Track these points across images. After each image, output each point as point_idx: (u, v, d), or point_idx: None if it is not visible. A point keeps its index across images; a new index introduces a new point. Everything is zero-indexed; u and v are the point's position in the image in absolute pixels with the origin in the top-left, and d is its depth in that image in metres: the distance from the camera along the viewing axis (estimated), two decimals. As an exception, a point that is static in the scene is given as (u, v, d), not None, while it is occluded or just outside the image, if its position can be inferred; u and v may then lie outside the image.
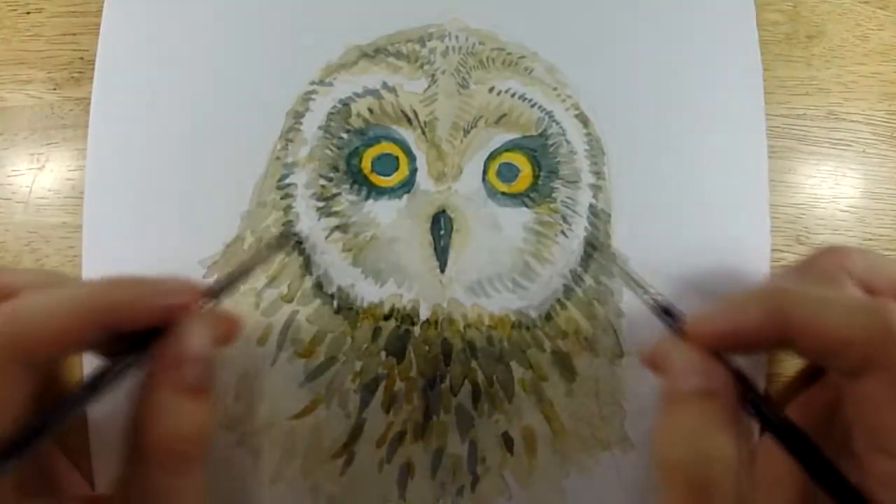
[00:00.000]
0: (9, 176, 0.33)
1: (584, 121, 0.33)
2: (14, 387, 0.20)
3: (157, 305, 0.22)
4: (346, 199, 0.32)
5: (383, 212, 0.31)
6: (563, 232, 0.32)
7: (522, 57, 0.33)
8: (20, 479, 0.22)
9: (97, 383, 0.21)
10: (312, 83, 0.32)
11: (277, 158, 0.32)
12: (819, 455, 0.20)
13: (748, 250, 0.33)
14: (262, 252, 0.31)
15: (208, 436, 0.23)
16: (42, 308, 0.21)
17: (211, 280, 0.31)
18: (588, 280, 0.32)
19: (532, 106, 0.33)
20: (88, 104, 0.32)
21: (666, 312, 0.25)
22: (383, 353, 0.31)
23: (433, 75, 0.33)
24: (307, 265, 0.31)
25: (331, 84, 0.32)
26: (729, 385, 0.22)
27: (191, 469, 0.22)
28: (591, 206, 0.32)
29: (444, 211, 0.31)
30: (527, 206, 0.32)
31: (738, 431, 0.21)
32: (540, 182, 0.32)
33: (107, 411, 0.29)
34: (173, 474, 0.21)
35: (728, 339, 0.22)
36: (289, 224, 0.31)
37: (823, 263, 0.26)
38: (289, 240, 0.31)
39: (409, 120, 0.32)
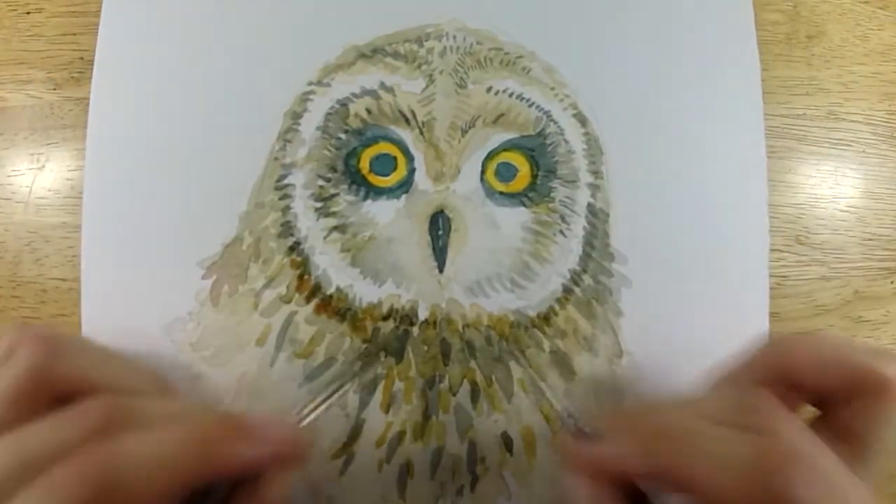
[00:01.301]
0: (9, 176, 0.33)
1: (581, 120, 0.33)
2: None
3: (257, 459, 0.23)
4: (344, 199, 0.32)
5: (382, 212, 0.32)
6: (561, 231, 0.32)
7: (520, 57, 0.33)
8: None
9: None
10: (310, 84, 0.32)
11: (276, 159, 0.32)
12: None
13: (747, 250, 0.33)
14: (346, 369, 0.31)
15: None
16: (142, 463, 0.21)
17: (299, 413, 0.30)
18: (587, 280, 0.32)
19: (530, 105, 0.33)
20: (88, 104, 0.32)
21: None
22: (382, 354, 0.31)
23: (431, 75, 0.33)
24: (306, 265, 0.31)
25: (329, 84, 0.32)
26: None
27: None
28: (589, 205, 0.32)
29: (442, 211, 0.31)
30: (525, 205, 0.32)
31: None
32: (538, 182, 0.32)
33: None
34: None
35: (606, 474, 0.23)
36: (287, 224, 0.31)
37: (765, 363, 0.25)
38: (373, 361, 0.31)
39: (406, 120, 0.32)
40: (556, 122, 0.33)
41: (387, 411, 0.30)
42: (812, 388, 0.24)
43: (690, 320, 0.32)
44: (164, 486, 0.21)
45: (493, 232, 0.32)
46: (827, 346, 0.25)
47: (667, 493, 0.24)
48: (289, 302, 0.31)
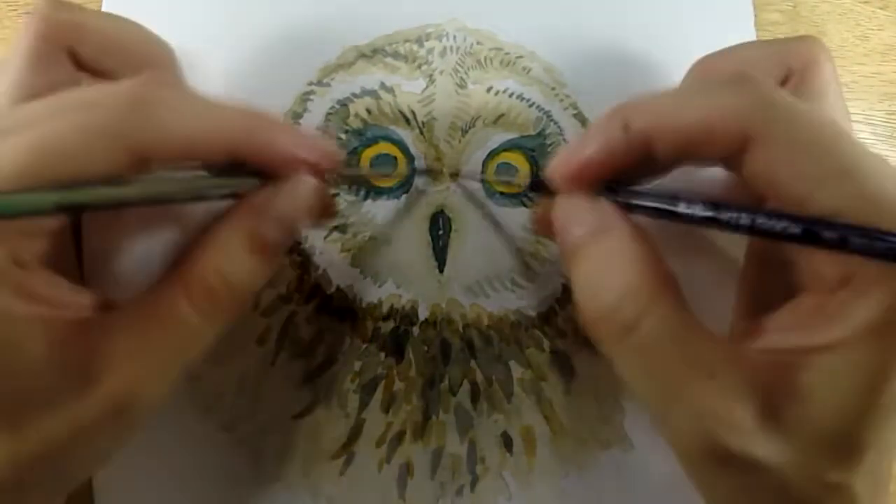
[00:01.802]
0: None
1: (582, 120, 0.33)
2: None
3: (293, 156, 0.22)
4: (344, 199, 0.32)
5: (382, 212, 0.32)
6: (561, 232, 0.32)
7: (520, 57, 0.33)
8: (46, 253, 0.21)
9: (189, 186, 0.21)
10: (310, 84, 0.32)
11: (276, 159, 0.32)
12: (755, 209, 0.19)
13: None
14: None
15: (250, 299, 0.22)
16: (180, 118, 0.20)
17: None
18: (587, 280, 0.32)
19: (530, 106, 0.33)
20: (88, 105, 0.32)
21: (538, 186, 0.25)
22: (382, 354, 0.31)
23: (431, 75, 0.33)
24: (306, 265, 0.31)
25: (329, 85, 0.32)
26: (614, 212, 0.21)
27: (214, 318, 0.21)
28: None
29: (442, 211, 0.31)
30: (525, 205, 0.32)
31: (652, 256, 0.21)
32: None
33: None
34: (196, 311, 0.21)
35: (590, 171, 0.21)
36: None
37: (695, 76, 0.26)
38: None
39: (407, 120, 0.32)
40: (556, 123, 0.33)
41: (387, 411, 0.30)
42: None
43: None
44: (192, 139, 0.20)
45: (493, 232, 0.32)
46: (752, 46, 0.27)
47: (653, 172, 0.23)
48: (289, 302, 0.31)
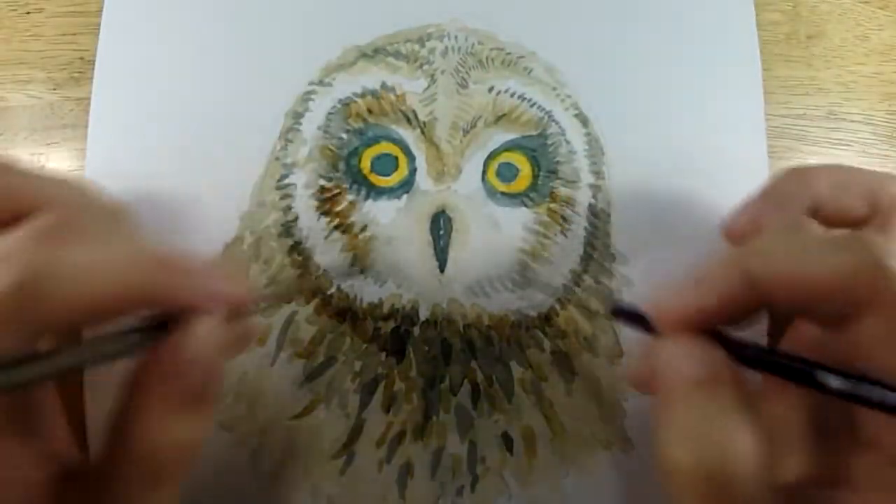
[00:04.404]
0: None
1: (583, 120, 0.33)
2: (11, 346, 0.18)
3: (194, 305, 0.20)
4: (345, 199, 0.32)
5: (383, 212, 0.31)
6: (562, 232, 0.32)
7: (521, 57, 0.33)
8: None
9: (105, 347, 0.19)
10: (311, 83, 0.32)
11: (277, 159, 0.32)
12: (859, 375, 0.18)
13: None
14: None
15: (199, 451, 0.21)
16: (80, 272, 0.18)
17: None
18: (587, 280, 0.32)
19: (531, 106, 0.33)
20: (88, 104, 0.32)
21: (632, 317, 0.23)
22: (383, 354, 0.31)
23: (432, 75, 0.33)
24: (306, 265, 0.31)
25: (330, 84, 0.32)
26: (728, 363, 0.20)
27: (171, 482, 0.20)
28: (590, 205, 0.32)
29: (443, 211, 0.31)
30: (526, 205, 0.32)
31: (753, 413, 0.19)
32: (539, 182, 0.32)
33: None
34: (150, 488, 0.19)
35: (703, 319, 0.20)
36: (288, 224, 0.31)
37: (785, 190, 0.25)
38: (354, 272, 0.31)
39: (408, 120, 0.32)
40: (557, 123, 0.33)
41: (387, 411, 0.30)
42: (833, 214, 0.24)
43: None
44: (99, 301, 0.19)
45: (494, 232, 0.32)
46: (845, 172, 0.25)
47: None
48: (289, 302, 0.31)
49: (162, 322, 0.20)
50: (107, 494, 0.19)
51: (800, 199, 0.24)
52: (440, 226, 0.31)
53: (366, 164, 0.32)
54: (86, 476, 0.20)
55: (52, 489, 0.20)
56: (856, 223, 0.25)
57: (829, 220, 0.24)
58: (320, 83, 0.32)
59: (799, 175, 0.25)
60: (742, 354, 0.20)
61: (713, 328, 0.21)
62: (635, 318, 0.23)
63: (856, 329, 0.19)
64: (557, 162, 0.32)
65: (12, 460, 0.20)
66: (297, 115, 0.32)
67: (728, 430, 0.19)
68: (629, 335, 0.31)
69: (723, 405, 0.19)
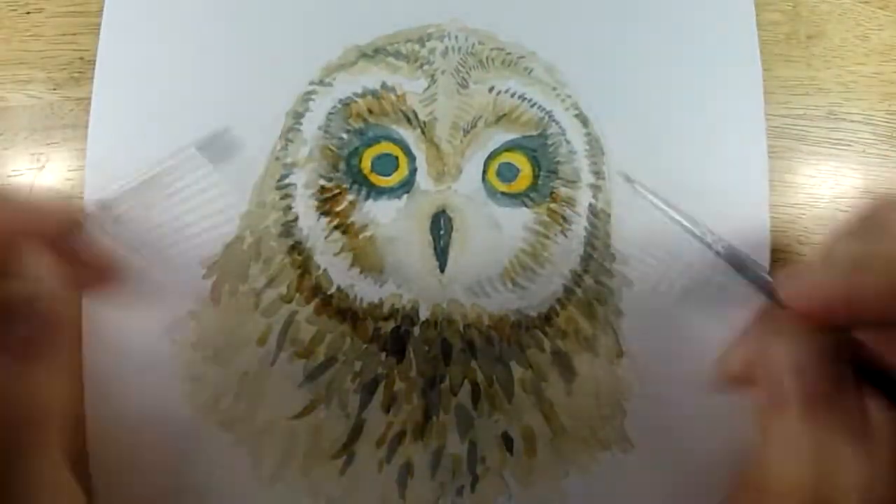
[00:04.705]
0: (9, 176, 0.33)
1: (583, 121, 0.33)
2: None
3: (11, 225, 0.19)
4: (345, 199, 0.32)
5: (383, 212, 0.31)
6: (562, 232, 0.32)
7: (522, 57, 0.33)
8: None
9: None
10: (312, 83, 0.32)
11: (277, 158, 0.32)
12: None
13: (748, 250, 0.32)
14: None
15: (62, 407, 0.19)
16: None
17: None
18: (588, 280, 0.32)
19: (532, 106, 0.33)
20: (88, 104, 0.32)
21: (754, 276, 0.21)
22: (383, 354, 0.31)
23: (433, 75, 0.33)
24: (307, 265, 0.31)
25: (330, 84, 0.32)
26: (847, 378, 0.18)
27: (39, 441, 0.18)
28: (590, 205, 0.32)
29: (443, 211, 0.31)
30: (526, 205, 0.32)
31: (865, 434, 0.17)
32: (539, 182, 0.32)
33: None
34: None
35: (841, 312, 0.17)
36: (288, 224, 0.31)
37: (885, 220, 0.21)
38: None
39: (408, 120, 0.32)
40: (557, 123, 0.33)
41: (387, 411, 0.30)
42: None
43: (691, 321, 0.32)
44: None
45: (494, 232, 0.32)
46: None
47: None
48: (289, 302, 0.31)
49: None
50: None
51: None
52: (440, 226, 0.31)
53: (366, 164, 0.32)
54: None
55: None
56: None
57: None
58: (321, 83, 0.32)
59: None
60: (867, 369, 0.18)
61: (843, 326, 0.18)
62: (757, 279, 0.20)
63: None
64: (558, 162, 0.32)
65: None
66: (297, 115, 0.32)
67: (837, 454, 0.17)
68: (629, 336, 0.31)
69: (835, 426, 0.17)
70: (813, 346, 0.18)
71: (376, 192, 0.32)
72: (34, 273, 0.18)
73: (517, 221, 0.32)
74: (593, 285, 0.32)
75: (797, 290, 0.18)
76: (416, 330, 0.31)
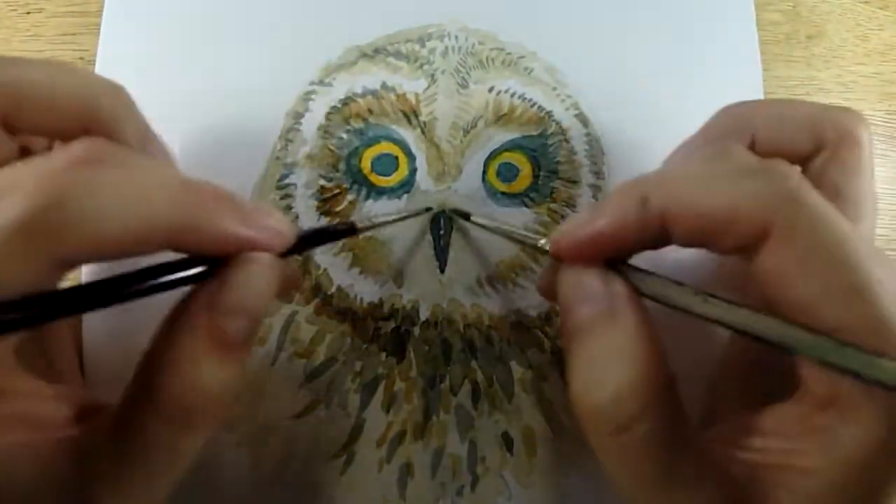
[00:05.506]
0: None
1: (583, 121, 0.33)
2: (30, 279, 0.16)
3: (239, 239, 0.19)
4: (345, 199, 0.32)
5: (383, 212, 0.31)
6: (562, 232, 0.32)
7: (522, 57, 0.33)
8: (21, 348, 0.19)
9: (132, 283, 0.18)
10: (312, 83, 0.32)
11: (277, 158, 0.32)
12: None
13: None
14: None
15: (232, 397, 0.20)
16: (107, 210, 0.17)
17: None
18: (588, 280, 0.32)
19: (532, 106, 0.33)
20: (88, 104, 0.32)
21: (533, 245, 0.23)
22: (383, 354, 0.31)
23: (433, 75, 0.33)
24: (307, 265, 0.31)
25: (330, 84, 0.32)
26: (631, 296, 0.19)
27: (202, 428, 0.19)
28: (590, 206, 0.32)
29: (443, 211, 0.31)
30: (526, 206, 0.32)
31: (656, 353, 0.19)
32: (540, 182, 0.32)
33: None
34: (180, 432, 0.18)
35: (600, 246, 0.20)
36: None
37: (722, 129, 0.24)
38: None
39: (408, 120, 0.32)
40: (557, 123, 0.33)
41: (387, 411, 0.30)
42: (773, 148, 0.24)
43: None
44: (123, 233, 0.17)
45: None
46: (785, 104, 0.24)
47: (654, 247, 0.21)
48: (289, 302, 0.31)
49: (203, 260, 0.19)
50: (130, 437, 0.18)
51: (736, 135, 0.24)
52: (440, 226, 0.31)
53: (366, 164, 0.32)
54: (104, 418, 0.19)
55: (74, 429, 0.19)
56: (801, 161, 0.24)
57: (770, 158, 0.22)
58: (321, 83, 0.32)
59: (735, 111, 0.25)
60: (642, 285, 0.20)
61: (618, 258, 0.20)
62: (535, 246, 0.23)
63: (766, 261, 0.18)
64: (558, 162, 0.32)
65: (36, 398, 0.19)
66: (297, 115, 0.32)
67: (620, 370, 0.18)
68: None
69: (614, 343, 0.19)
70: (587, 278, 0.20)
71: (376, 192, 0.32)
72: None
73: (517, 221, 0.32)
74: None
75: (555, 241, 0.21)
76: (417, 330, 0.31)
